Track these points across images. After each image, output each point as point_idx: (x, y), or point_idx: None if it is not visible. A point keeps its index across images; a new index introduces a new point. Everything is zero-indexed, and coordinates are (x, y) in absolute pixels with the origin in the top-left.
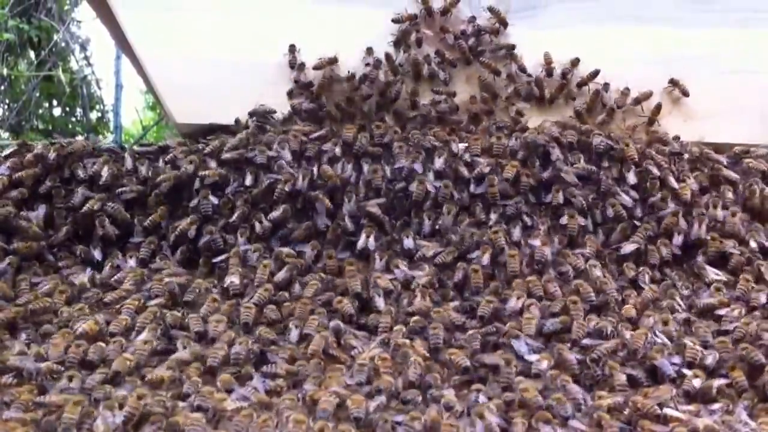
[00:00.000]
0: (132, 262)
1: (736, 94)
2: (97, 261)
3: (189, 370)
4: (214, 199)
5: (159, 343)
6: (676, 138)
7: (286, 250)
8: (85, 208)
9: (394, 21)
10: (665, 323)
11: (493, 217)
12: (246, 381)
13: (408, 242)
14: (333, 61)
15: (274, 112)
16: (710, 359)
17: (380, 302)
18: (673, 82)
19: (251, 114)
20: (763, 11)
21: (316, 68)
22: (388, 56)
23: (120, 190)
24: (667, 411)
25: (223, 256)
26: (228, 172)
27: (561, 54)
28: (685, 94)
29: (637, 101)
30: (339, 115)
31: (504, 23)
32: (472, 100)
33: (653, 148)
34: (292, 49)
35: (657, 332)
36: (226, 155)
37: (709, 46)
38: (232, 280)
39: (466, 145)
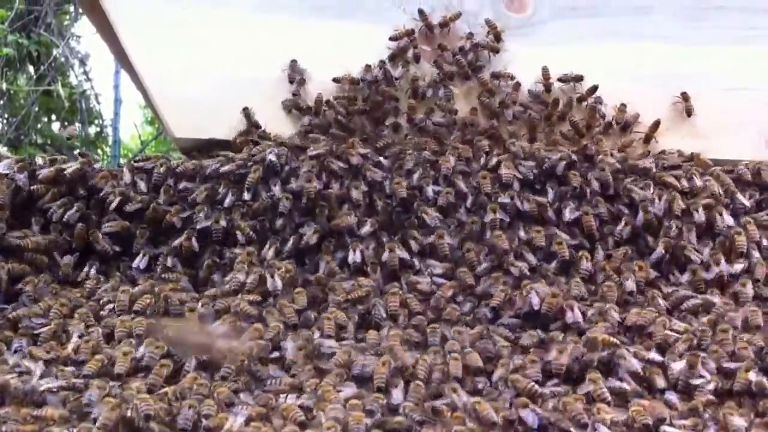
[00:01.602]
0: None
1: (733, 111)
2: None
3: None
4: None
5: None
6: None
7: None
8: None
9: (392, 39)
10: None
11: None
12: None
13: (402, 254)
14: (355, 81)
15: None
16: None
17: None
18: (685, 97)
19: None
20: (761, 28)
21: (335, 81)
22: (385, 70)
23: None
24: (664, 428)
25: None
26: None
27: (559, 71)
28: (689, 113)
29: (627, 125)
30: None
31: (498, 37)
32: (472, 112)
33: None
34: (293, 64)
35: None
36: (224, 168)
37: (706, 63)
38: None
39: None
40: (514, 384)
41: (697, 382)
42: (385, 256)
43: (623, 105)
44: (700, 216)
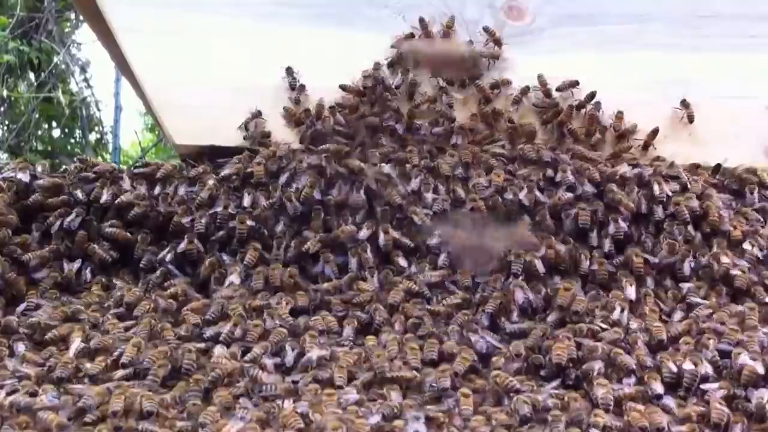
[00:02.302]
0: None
1: (731, 119)
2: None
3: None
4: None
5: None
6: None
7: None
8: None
9: (394, 47)
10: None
11: None
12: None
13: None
14: (361, 93)
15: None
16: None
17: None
18: (685, 104)
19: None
20: (760, 36)
21: (343, 88)
22: (382, 79)
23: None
24: None
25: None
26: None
27: (558, 79)
28: (691, 119)
29: (623, 135)
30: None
31: (499, 42)
32: (472, 119)
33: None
34: (290, 71)
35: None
36: (226, 172)
37: (705, 71)
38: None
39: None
40: (495, 380)
41: (706, 386)
42: (381, 239)
43: (620, 112)
44: (693, 202)
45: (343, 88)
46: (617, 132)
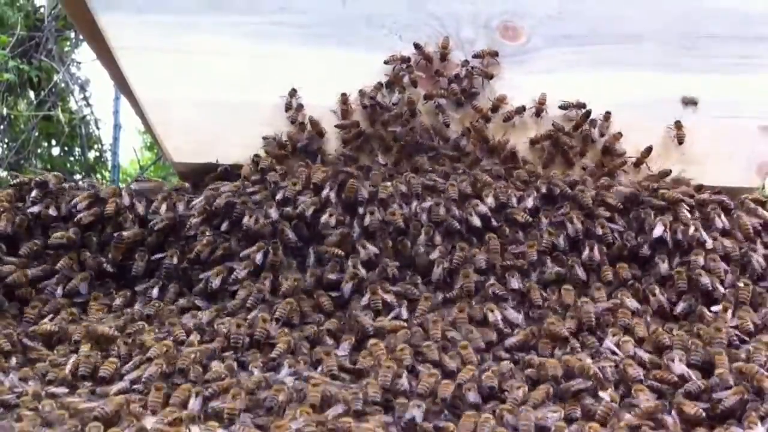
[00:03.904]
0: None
1: (724, 138)
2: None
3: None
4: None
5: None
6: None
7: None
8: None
9: (386, 62)
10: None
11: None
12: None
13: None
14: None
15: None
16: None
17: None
18: (678, 125)
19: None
20: (752, 56)
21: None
22: (377, 100)
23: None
24: None
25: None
26: None
27: (554, 98)
28: (680, 141)
29: (614, 153)
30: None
31: (493, 54)
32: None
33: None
34: (293, 93)
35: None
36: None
37: (698, 91)
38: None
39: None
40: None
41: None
42: (367, 219)
43: (619, 133)
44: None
45: (339, 126)
46: (612, 150)
